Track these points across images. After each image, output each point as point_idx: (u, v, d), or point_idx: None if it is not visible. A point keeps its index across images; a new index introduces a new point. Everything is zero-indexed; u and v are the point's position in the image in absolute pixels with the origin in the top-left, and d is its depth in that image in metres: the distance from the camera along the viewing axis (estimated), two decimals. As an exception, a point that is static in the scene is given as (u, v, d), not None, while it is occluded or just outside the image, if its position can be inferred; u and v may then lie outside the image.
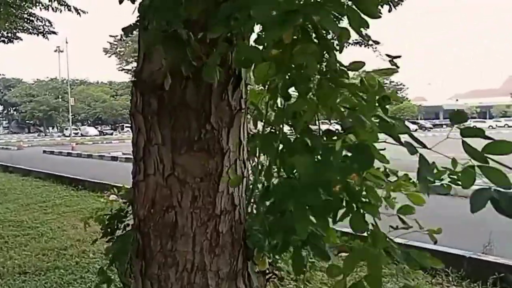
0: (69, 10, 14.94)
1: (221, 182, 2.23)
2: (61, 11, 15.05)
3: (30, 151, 33.65)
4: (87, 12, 15.38)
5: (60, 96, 74.07)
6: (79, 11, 15.18)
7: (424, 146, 1.35)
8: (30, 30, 15.89)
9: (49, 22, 15.86)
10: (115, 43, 65.78)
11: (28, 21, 15.49)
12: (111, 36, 68.73)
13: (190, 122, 2.12)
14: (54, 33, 16.23)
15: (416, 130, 53.86)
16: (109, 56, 67.23)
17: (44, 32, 15.89)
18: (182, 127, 2.12)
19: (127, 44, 63.44)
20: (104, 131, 71.17)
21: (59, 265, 6.63)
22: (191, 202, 2.18)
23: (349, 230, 1.69)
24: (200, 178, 2.18)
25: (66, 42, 67.81)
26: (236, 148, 2.30)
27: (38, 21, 15.31)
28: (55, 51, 69.63)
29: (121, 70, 68.47)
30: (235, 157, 2.30)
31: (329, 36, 1.53)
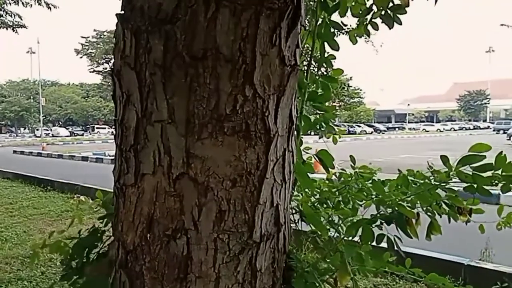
0: (40, 4, 13.96)
1: (264, 188, 1.35)
2: (31, 6, 14.09)
3: (0, 152, 31.82)
4: (58, 7, 14.54)
5: (31, 97, 72.34)
6: (50, 5, 14.22)
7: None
8: (1, 25, 15.05)
9: (19, 16, 15.06)
10: (87, 44, 64.66)
11: None
12: (82, 37, 68.39)
13: (217, 83, 1.23)
14: (24, 27, 15.40)
15: (372, 132, 58.11)
16: (81, 57, 65.54)
17: (14, 26, 15.06)
18: (205, 92, 1.23)
19: (98, 46, 62.54)
20: (75, 132, 70.39)
21: (23, 276, 6.07)
22: (214, 222, 1.30)
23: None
24: (232, 180, 1.30)
25: (38, 43, 65.97)
26: (285, 132, 1.42)
27: (7, 15, 14.64)
28: (27, 52, 67.59)
29: (92, 71, 67.39)
30: (284, 146, 1.42)
31: None
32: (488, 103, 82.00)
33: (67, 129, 71.93)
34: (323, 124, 1.85)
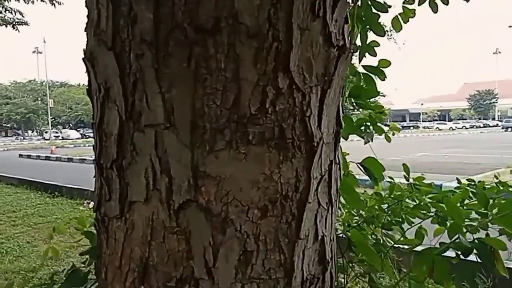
0: (42, 0, 13.68)
1: (306, 217, 0.95)
2: (33, 2, 13.80)
3: (5, 155, 31.65)
4: (63, 4, 14.28)
5: (39, 99, 71.65)
6: (54, 2, 13.95)
7: None
8: (0, 22, 14.79)
9: (20, 13, 14.78)
10: (97, 43, 63.61)
11: None
12: (92, 36, 66.93)
13: (237, 69, 0.82)
14: (26, 24, 15.10)
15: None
16: (92, 57, 64.62)
17: (14, 23, 14.77)
18: (218, 82, 0.83)
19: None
20: (86, 134, 68.28)
21: (24, 294, 5.23)
22: (237, 268, 0.90)
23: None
24: (261, 209, 0.89)
25: (44, 42, 65.88)
26: (332, 138, 1.02)
27: (7, 12, 14.36)
28: (33, 52, 67.25)
29: (105, 71, 66.02)
30: (331, 157, 1.01)
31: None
32: (496, 102, 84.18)
33: (78, 131, 70.73)
34: (368, 125, 1.43)
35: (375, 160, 1.40)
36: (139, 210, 0.92)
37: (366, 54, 1.58)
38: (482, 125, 69.84)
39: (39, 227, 8.82)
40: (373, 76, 1.46)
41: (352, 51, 1.00)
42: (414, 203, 1.38)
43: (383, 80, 1.53)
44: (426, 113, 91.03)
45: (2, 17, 14.58)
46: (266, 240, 0.91)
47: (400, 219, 1.42)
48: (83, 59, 0.98)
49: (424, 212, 1.40)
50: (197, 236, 0.89)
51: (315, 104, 0.93)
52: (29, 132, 77.72)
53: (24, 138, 68.55)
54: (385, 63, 1.53)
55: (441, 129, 65.29)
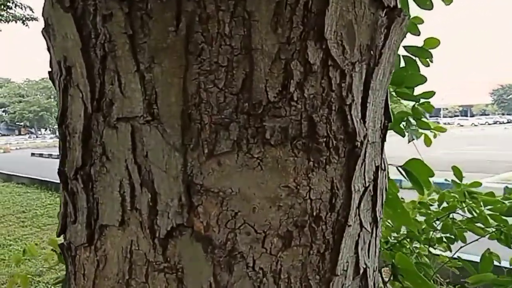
0: None
1: (344, 245, 0.67)
2: None
3: (17, 154, 31.86)
4: None
5: (52, 96, 72.00)
6: None
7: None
8: (10, 18, 14.76)
9: (30, 8, 14.74)
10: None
11: (5, 8, 14.30)
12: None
13: (248, 36, 0.56)
14: (36, 19, 15.07)
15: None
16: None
17: (24, 19, 14.74)
18: (221, 55, 0.56)
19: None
20: None
21: (30, 300, 5.08)
22: (250, 319, 0.62)
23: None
24: (282, 236, 0.62)
25: (57, 40, 65.88)
26: (379, 136, 0.74)
27: (17, 7, 14.33)
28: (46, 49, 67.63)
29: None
30: (377, 161, 0.74)
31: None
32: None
33: (91, 129, 70.88)
34: (410, 120, 1.15)
35: (421, 162, 1.12)
36: (113, 237, 0.66)
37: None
38: (506, 121, 67.26)
39: (48, 228, 8.71)
40: (417, 59, 1.18)
41: (407, 15, 0.72)
42: (473, 217, 1.09)
43: (428, 65, 1.25)
44: (447, 109, 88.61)
45: (12, 13, 14.54)
46: (290, 280, 0.65)
47: (452, 236, 1.14)
48: (42, 30, 0.72)
49: (483, 227, 1.11)
50: (193, 276, 0.62)
51: (358, 88, 0.66)
52: (42, 130, 78.32)
53: (37, 137, 69.07)
54: (433, 42, 1.25)
55: (462, 125, 63.16)
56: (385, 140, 0.81)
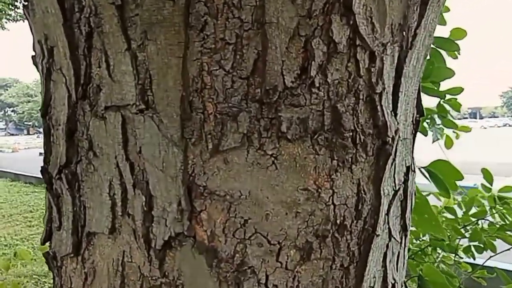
0: None
1: (371, 257, 0.57)
2: None
3: (25, 154, 32.03)
4: None
5: (61, 97, 72.48)
6: None
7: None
8: (18, 18, 14.82)
9: None
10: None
11: (13, 8, 14.37)
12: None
13: (262, 5, 0.46)
14: None
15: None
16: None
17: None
18: (228, 30, 0.46)
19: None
20: None
21: (35, 301, 5.08)
22: None
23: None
24: (300, 248, 0.52)
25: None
26: (410, 131, 0.64)
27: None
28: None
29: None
30: (408, 161, 0.64)
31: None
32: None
33: (100, 129, 71.37)
34: (435, 118, 1.05)
35: (448, 164, 1.01)
36: (103, 247, 0.57)
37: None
38: (516, 123, 67.90)
39: (55, 227, 8.77)
40: (442, 51, 1.07)
41: (445, -11, 0.62)
42: (505, 224, 0.98)
43: (456, 58, 1.14)
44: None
45: (20, 12, 14.57)
46: (309, 298, 0.55)
47: (481, 244, 1.03)
48: (22, 7, 0.63)
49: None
50: (194, 294, 0.53)
51: (390, 75, 0.56)
52: (51, 130, 78.70)
53: (45, 137, 69.59)
54: (460, 33, 1.14)
55: (471, 127, 64.19)
56: (415, 137, 0.70)
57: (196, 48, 0.47)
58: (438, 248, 1.19)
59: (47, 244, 0.69)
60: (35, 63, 0.66)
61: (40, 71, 0.63)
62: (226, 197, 0.51)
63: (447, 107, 1.30)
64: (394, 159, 0.60)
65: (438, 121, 1.34)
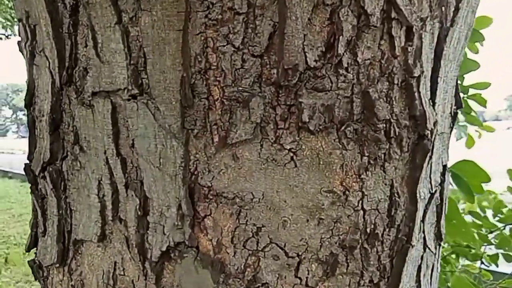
0: None
1: (405, 272, 0.48)
2: None
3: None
4: None
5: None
6: None
7: None
8: None
9: None
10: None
11: None
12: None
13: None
14: None
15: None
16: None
17: None
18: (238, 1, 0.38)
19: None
20: None
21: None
22: None
23: None
24: (323, 261, 0.43)
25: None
26: (448, 125, 0.55)
27: None
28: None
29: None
30: (444, 159, 0.55)
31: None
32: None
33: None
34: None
35: (474, 165, 0.92)
36: (91, 256, 0.49)
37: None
38: (520, 127, 67.54)
39: (63, 227, 8.80)
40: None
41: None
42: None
43: (477, 52, 1.04)
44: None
45: None
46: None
47: (510, 252, 0.94)
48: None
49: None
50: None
51: (429, 56, 0.47)
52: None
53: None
54: (485, 21, 1.04)
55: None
56: (451, 132, 0.61)
57: (199, 19, 0.39)
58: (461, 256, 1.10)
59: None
60: (20, 49, 0.58)
61: (25, 57, 0.56)
62: (236, 200, 0.42)
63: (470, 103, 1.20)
64: (430, 157, 0.51)
65: (461, 117, 1.24)
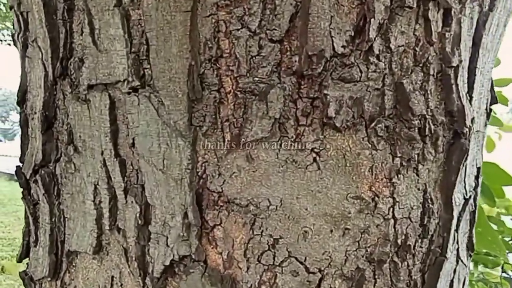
0: None
1: (439, 286, 0.42)
2: None
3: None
4: None
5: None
6: None
7: None
8: None
9: None
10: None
11: None
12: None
13: None
14: None
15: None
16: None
17: None
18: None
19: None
20: None
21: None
22: None
23: None
24: (349, 276, 0.37)
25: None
26: (483, 122, 0.49)
27: None
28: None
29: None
30: (478, 160, 0.49)
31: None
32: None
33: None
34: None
35: (497, 167, 0.86)
36: (86, 270, 0.44)
37: None
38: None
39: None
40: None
41: None
42: None
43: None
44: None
45: None
46: None
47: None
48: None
49: None
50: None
51: (467, 44, 0.42)
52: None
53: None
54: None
55: None
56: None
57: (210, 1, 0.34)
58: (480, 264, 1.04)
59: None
60: (14, 42, 0.54)
61: (19, 49, 0.51)
62: (249, 207, 0.37)
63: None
64: (466, 158, 0.46)
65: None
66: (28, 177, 0.47)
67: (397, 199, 0.40)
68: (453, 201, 0.44)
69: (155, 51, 0.36)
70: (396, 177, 0.39)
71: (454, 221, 0.46)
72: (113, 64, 0.37)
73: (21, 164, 0.51)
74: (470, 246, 0.54)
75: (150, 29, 0.35)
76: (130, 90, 0.37)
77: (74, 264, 0.45)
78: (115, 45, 0.37)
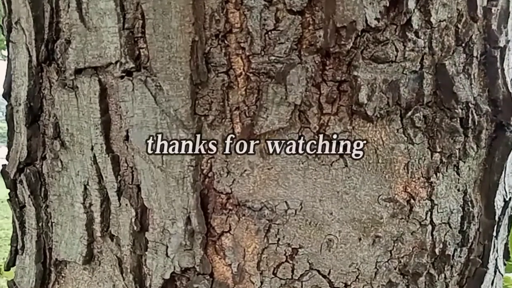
0: None
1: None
2: None
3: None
4: None
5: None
6: None
7: None
8: None
9: None
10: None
11: None
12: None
13: None
14: None
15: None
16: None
17: None
18: None
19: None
20: None
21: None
22: None
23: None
24: (379, 293, 0.31)
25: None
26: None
27: None
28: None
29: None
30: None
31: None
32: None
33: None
34: None
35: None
36: (77, 281, 0.38)
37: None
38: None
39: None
40: None
41: None
42: None
43: None
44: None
45: None
46: None
47: None
48: None
49: None
50: None
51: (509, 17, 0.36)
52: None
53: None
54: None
55: None
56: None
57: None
58: None
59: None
60: (2, 30, 0.48)
61: (5, 34, 0.46)
62: (264, 211, 0.31)
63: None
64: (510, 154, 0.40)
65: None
66: (12, 177, 0.42)
67: (436, 202, 0.34)
68: (495, 205, 0.39)
69: (152, 26, 0.30)
70: (434, 175, 0.33)
71: (495, 227, 0.40)
72: (104, 43, 0.32)
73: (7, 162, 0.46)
74: (506, 254, 0.48)
75: (147, 5, 0.30)
76: (123, 74, 0.32)
77: (63, 274, 0.40)
78: (106, 21, 0.32)
